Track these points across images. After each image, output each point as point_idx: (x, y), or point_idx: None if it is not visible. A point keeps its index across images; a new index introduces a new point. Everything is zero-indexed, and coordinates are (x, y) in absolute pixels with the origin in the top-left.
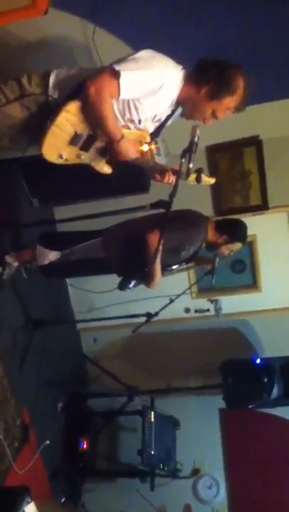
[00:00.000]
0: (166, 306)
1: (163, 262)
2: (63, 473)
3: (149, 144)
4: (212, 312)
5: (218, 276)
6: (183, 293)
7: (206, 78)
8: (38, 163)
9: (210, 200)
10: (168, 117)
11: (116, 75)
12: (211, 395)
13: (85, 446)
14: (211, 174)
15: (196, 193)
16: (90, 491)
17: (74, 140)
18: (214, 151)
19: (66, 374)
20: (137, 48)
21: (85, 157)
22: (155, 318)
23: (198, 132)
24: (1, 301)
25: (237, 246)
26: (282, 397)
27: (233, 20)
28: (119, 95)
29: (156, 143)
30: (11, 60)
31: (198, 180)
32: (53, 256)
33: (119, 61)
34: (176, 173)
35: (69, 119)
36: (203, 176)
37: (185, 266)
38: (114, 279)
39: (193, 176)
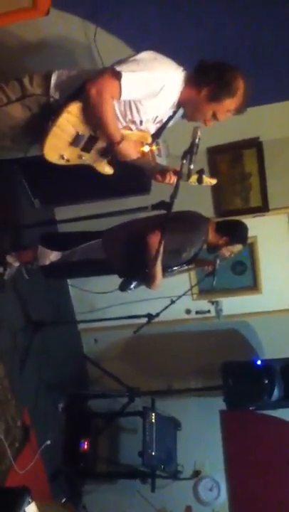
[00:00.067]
0: (167, 307)
1: (164, 263)
2: (64, 474)
3: (150, 145)
4: (213, 313)
5: (219, 278)
6: (184, 294)
7: (206, 80)
8: (39, 164)
9: (210, 201)
10: (169, 118)
11: (117, 76)
12: (212, 396)
13: (85, 447)
14: (212, 176)
15: (197, 195)
16: (90, 492)
17: (75, 141)
18: (215, 153)
19: (67, 375)
20: (138, 49)
21: (87, 158)
22: (156, 320)
23: (199, 134)
24: (2, 301)
25: (237, 247)
26: (282, 399)
27: (233, 21)
28: (120, 96)
29: (157, 144)
30: (13, 60)
31: (199, 181)
32: (54, 256)
33: (121, 62)
34: (177, 174)
35: (70, 120)
36: (204, 176)
37: (186, 267)
38: (115, 280)
39: (194, 177)
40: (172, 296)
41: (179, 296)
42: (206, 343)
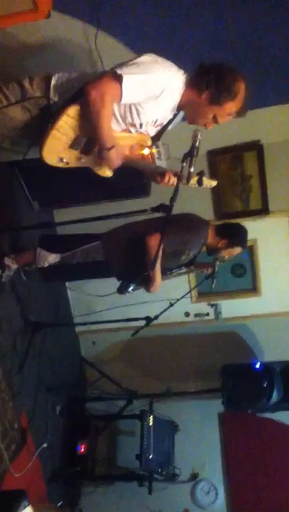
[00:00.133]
0: (166, 309)
1: (163, 265)
2: (61, 477)
3: (150, 147)
4: (212, 316)
5: (218, 280)
6: (183, 297)
7: (207, 83)
8: (38, 166)
9: (210, 204)
10: (169, 121)
11: (118, 79)
12: (211, 399)
13: (83, 449)
14: (212, 178)
15: (197, 197)
16: (87, 494)
17: (74, 143)
18: (215, 156)
19: (65, 377)
20: (139, 52)
21: (86, 160)
22: (155, 322)
23: (199, 136)
24: (0, 303)
25: (237, 250)
26: (281, 401)
27: (233, 24)
28: (121, 99)
29: (157, 146)
30: (13, 62)
31: (199, 182)
32: (52, 259)
33: (121, 65)
34: (177, 176)
35: (70, 123)
36: (204, 178)
37: (185, 270)
38: (114, 282)
39: (195, 179)
40: (171, 299)
41: (178, 299)
42: (205, 346)
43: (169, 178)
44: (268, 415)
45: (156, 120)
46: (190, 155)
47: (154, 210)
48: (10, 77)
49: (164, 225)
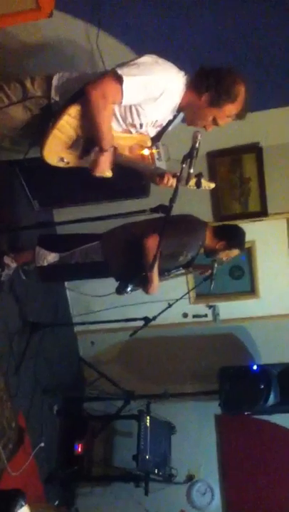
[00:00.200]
0: (164, 310)
1: (160, 266)
2: (57, 477)
3: (150, 148)
4: (210, 317)
5: (217, 282)
6: (181, 298)
7: (207, 86)
8: (39, 166)
9: (209, 205)
10: (169, 122)
11: (119, 79)
12: (208, 400)
13: (80, 449)
14: (211, 180)
15: (196, 199)
16: (84, 494)
17: (75, 143)
18: (214, 157)
19: (62, 377)
20: (140, 53)
21: (86, 160)
22: (153, 323)
23: (199, 138)
24: None
25: (235, 252)
26: (278, 404)
27: (234, 26)
28: (121, 100)
29: (157, 147)
30: (15, 62)
31: (198, 184)
32: (51, 258)
33: (122, 66)
34: (177, 177)
35: (71, 123)
36: (203, 180)
37: (183, 271)
38: (113, 283)
39: (193, 181)
40: (169, 300)
41: (177, 300)
42: (202, 347)
43: (168, 180)
44: (264, 417)
45: (157, 121)
46: (190, 156)
47: (153, 210)
48: (11, 77)
49: (163, 226)
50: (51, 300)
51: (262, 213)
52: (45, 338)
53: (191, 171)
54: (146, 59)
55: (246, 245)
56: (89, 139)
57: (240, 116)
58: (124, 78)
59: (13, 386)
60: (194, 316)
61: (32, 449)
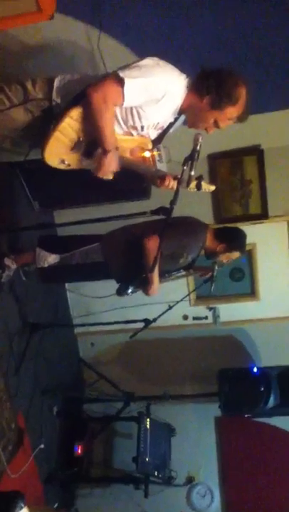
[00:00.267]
0: (164, 312)
1: (161, 268)
2: (57, 478)
3: (151, 150)
4: (210, 320)
5: (217, 284)
6: (181, 300)
7: (208, 88)
8: (39, 167)
9: (210, 208)
10: (171, 124)
11: (120, 82)
12: (208, 402)
13: (79, 451)
14: (212, 182)
15: (197, 201)
16: (83, 496)
17: (76, 146)
18: (215, 159)
19: (62, 378)
20: (142, 55)
21: (87, 163)
22: (153, 325)
23: (200, 140)
24: None
25: (235, 255)
26: (278, 406)
27: (235, 25)
28: (122, 103)
29: (158, 150)
30: (16, 64)
31: (198, 187)
32: (52, 259)
33: (123, 68)
34: (178, 179)
35: (72, 125)
36: (203, 183)
37: (183, 273)
38: (113, 284)
39: (194, 183)
40: (170, 302)
41: (177, 302)
42: (202, 349)
43: (169, 182)
44: (264, 420)
45: (158, 123)
46: (191, 159)
47: (154, 212)
48: (12, 79)
49: (164, 227)
50: (51, 301)
51: (262, 216)
52: (45, 339)
53: (192, 173)
54: (148, 61)
55: (247, 248)
56: (91, 141)
57: (241, 118)
58: (126, 80)
59: (13, 387)
60: (194, 318)
61: (32, 450)
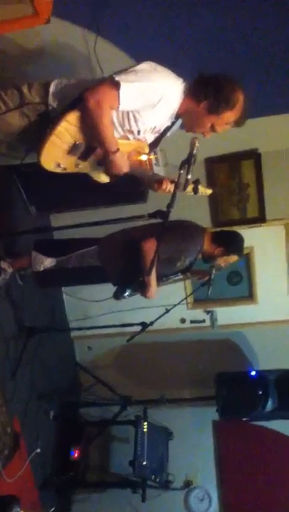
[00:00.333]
0: (161, 316)
1: (158, 272)
2: (53, 483)
3: (148, 154)
4: (208, 323)
5: (215, 288)
6: (179, 303)
7: (205, 94)
8: (36, 171)
9: (207, 211)
10: (167, 128)
11: (116, 86)
12: (205, 406)
13: (76, 455)
14: (209, 186)
15: (194, 205)
16: (80, 501)
17: (73, 150)
18: (213, 163)
19: (59, 382)
20: (138, 59)
21: (83, 166)
22: (150, 328)
23: (197, 144)
24: None
25: (233, 258)
26: (276, 410)
27: (235, 25)
28: (118, 107)
29: (154, 153)
30: (12, 68)
31: (195, 191)
32: (48, 263)
33: (120, 72)
34: (175, 183)
35: (69, 129)
36: (200, 186)
37: (181, 276)
38: (110, 288)
39: (190, 187)
40: (167, 305)
41: (174, 305)
42: (200, 353)
43: (166, 186)
44: (262, 423)
45: (154, 127)
46: (187, 162)
47: (151, 216)
48: (8, 83)
49: (162, 231)
50: (48, 305)
51: (260, 219)
52: (42, 343)
53: (189, 177)
54: (144, 66)
55: (244, 251)
56: (88, 146)
57: (238, 123)
58: (122, 84)
59: (9, 391)
60: (192, 322)
61: (28, 454)
